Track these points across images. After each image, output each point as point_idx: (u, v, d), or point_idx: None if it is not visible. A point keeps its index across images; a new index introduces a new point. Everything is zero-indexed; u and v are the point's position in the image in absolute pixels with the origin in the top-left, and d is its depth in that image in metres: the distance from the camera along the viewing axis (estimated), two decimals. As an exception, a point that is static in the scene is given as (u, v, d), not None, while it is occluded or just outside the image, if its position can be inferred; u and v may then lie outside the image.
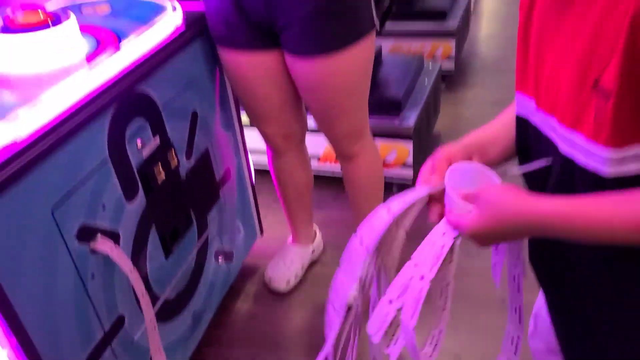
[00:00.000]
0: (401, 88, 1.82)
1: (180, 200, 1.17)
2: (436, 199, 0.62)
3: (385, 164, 1.79)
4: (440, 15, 2.34)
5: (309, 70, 1.14)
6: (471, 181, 0.59)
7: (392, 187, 1.84)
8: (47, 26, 0.89)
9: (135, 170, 1.00)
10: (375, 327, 0.57)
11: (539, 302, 0.79)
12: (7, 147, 0.76)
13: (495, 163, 0.63)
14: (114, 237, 0.96)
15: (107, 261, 0.94)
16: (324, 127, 1.30)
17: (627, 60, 0.43)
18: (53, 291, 0.84)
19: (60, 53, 0.92)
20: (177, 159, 1.13)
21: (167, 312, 1.17)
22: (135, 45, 1.01)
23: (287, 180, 1.48)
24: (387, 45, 2.36)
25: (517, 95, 0.61)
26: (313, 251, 1.62)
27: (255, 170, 1.63)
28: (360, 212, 1.39)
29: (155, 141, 1.05)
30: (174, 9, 1.16)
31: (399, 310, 0.57)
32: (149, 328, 1.00)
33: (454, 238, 0.57)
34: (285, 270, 1.55)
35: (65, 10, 0.96)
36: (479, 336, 1.35)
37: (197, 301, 1.29)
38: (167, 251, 1.14)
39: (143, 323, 1.04)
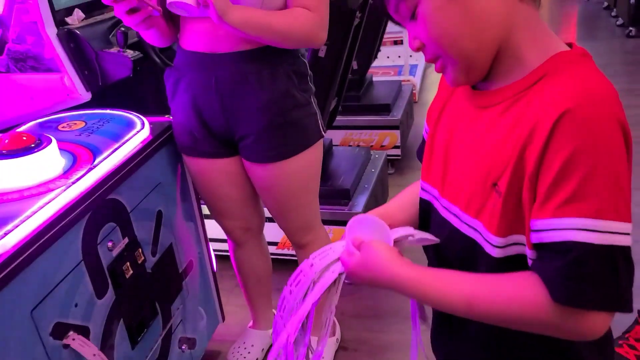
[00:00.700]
0: (350, 178, 2.01)
1: (147, 293, 1.29)
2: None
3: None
4: (385, 108, 2.61)
5: (265, 174, 1.32)
6: (372, 233, 0.72)
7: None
8: (32, 151, 1.04)
9: (105, 270, 1.12)
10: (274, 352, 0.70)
11: None
12: (-5, 258, 0.88)
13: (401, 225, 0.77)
14: (85, 331, 1.07)
15: (80, 355, 1.03)
16: (279, 221, 1.46)
17: (514, 174, 0.59)
18: (29, 386, 0.93)
19: (41, 171, 1.06)
20: (144, 256, 1.26)
21: (132, 401, 1.24)
22: (108, 159, 1.17)
23: (247, 269, 1.61)
24: (338, 138, 2.59)
25: (422, 184, 0.78)
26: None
27: (217, 256, 1.75)
28: None
29: (125, 241, 1.18)
30: (142, 124, 1.33)
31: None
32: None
33: (339, 273, 0.71)
34: (245, 354, 1.64)
35: (46, 137, 1.11)
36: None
37: (162, 389, 1.37)
38: (134, 342, 1.23)
39: (110, 412, 1.11)
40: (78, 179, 1.07)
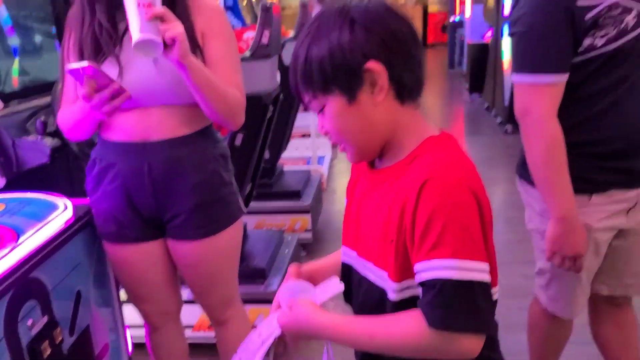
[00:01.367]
0: (265, 258, 2.12)
1: (62, 375, 1.27)
2: None
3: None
4: (295, 194, 2.79)
5: (192, 251, 1.39)
6: (299, 293, 0.86)
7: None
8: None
9: (24, 348, 1.12)
10: None
11: None
12: None
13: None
14: (-1, 414, 1.05)
15: None
16: (200, 298, 1.51)
17: (399, 231, 0.76)
18: None
19: (-36, 249, 1.08)
20: (62, 336, 1.26)
21: None
22: (31, 239, 1.21)
23: (163, 353, 1.62)
24: (252, 222, 2.71)
25: (342, 248, 0.92)
26: None
27: (134, 344, 1.74)
28: None
29: (44, 320, 1.20)
30: (65, 207, 1.38)
31: None
32: None
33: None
34: None
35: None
36: None
37: None
38: None
39: None
40: (1, 258, 1.10)
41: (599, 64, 1.19)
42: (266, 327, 0.86)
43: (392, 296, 0.79)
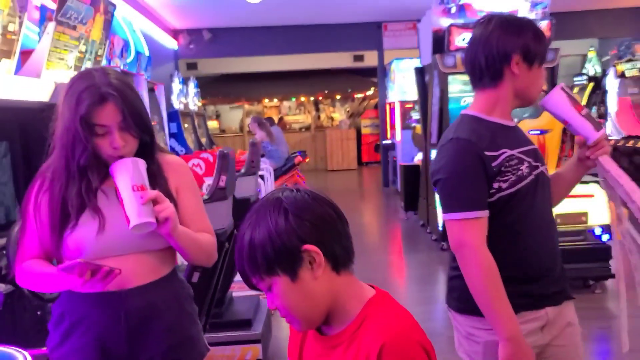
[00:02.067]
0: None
1: None
2: None
3: None
4: (246, 323, 2.80)
5: None
6: None
7: None
8: None
9: None
10: None
11: None
12: None
13: None
14: None
15: None
16: None
17: None
18: None
19: None
20: None
21: None
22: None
23: None
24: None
25: None
26: None
27: None
28: None
29: None
30: (25, 357, 1.37)
31: None
32: None
33: None
34: None
35: None
36: None
37: None
38: None
39: None
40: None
41: (505, 202, 1.40)
42: None
43: None
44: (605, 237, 3.81)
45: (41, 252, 1.38)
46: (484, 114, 1.42)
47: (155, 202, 1.27)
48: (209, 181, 2.05)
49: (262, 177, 4.82)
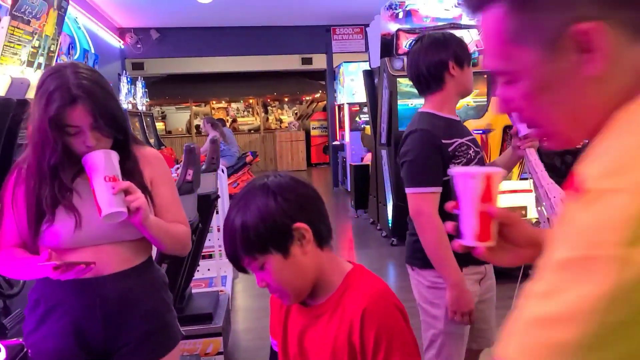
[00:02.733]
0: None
1: None
2: None
3: None
4: (207, 317, 2.83)
5: None
6: None
7: None
8: None
9: None
10: None
11: None
12: None
13: None
14: None
15: None
16: None
17: (350, 356, 0.97)
18: None
19: None
20: None
21: None
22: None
23: None
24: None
25: None
26: None
27: None
28: None
29: None
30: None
31: None
32: None
33: None
34: None
35: None
36: None
37: None
38: None
39: None
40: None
41: None
42: None
43: None
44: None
45: (19, 241, 1.39)
46: (436, 111, 1.75)
47: (127, 192, 1.30)
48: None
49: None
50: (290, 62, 10.22)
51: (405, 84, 5.07)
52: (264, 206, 0.97)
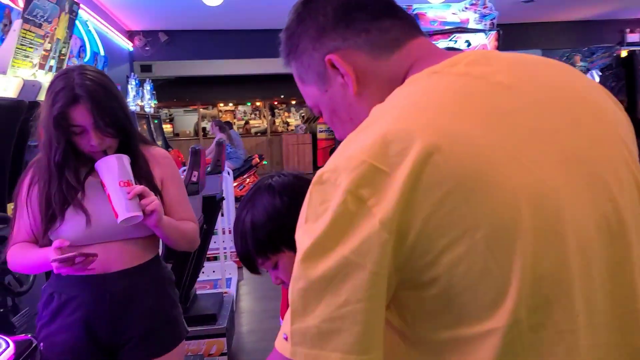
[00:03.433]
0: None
1: None
2: None
3: None
4: (211, 318, 2.87)
5: None
6: None
7: None
8: None
9: None
10: None
11: None
12: None
13: None
14: None
15: None
16: None
17: None
18: None
19: None
20: None
21: None
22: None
23: None
24: None
25: None
26: None
27: None
28: None
29: None
30: (7, 344, 1.42)
31: None
32: None
33: None
34: None
35: None
36: None
37: None
38: None
39: None
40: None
41: None
42: None
43: None
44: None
45: (32, 237, 1.44)
46: None
47: (141, 196, 1.35)
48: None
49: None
50: (297, 66, 10.23)
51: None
52: (270, 206, 0.99)
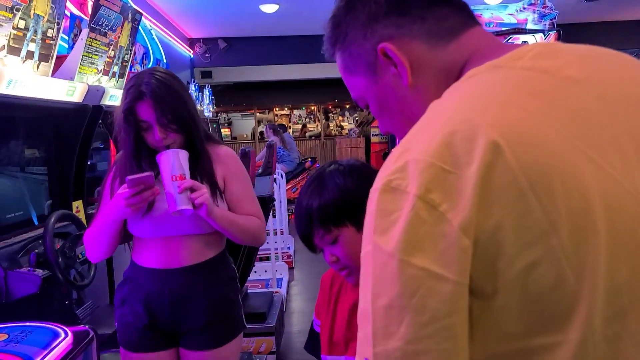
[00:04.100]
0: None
1: None
2: None
3: None
4: (261, 316, 2.93)
5: (199, 359, 1.57)
6: None
7: None
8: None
9: None
10: None
11: None
12: None
13: None
14: None
15: None
16: None
17: None
18: None
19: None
20: None
21: None
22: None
23: None
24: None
25: (325, 358, 1.11)
26: None
27: None
28: None
29: None
30: (66, 334, 1.51)
31: None
32: None
33: None
34: None
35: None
36: None
37: None
38: None
39: None
40: (19, 380, 1.22)
41: None
42: None
43: None
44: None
45: None
46: None
47: (192, 190, 1.42)
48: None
49: (274, 179, 4.98)
50: (352, 70, 10.25)
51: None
52: (341, 182, 1.03)
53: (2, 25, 1.87)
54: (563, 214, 0.51)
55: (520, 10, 4.82)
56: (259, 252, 4.07)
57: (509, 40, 4.64)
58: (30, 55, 2.10)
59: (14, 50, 1.99)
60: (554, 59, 0.61)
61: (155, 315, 1.56)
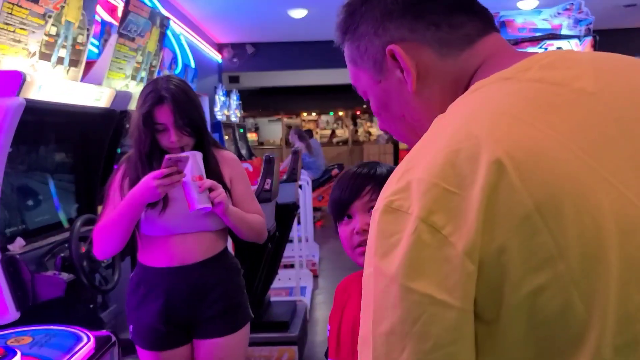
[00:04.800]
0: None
1: None
2: None
3: None
4: (283, 325, 2.90)
5: (215, 346, 1.65)
6: None
7: None
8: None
9: None
10: None
11: None
12: None
13: None
14: None
15: None
16: None
17: None
18: None
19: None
20: None
21: None
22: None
23: None
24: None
25: None
26: None
27: None
28: None
29: None
30: (88, 338, 1.51)
31: None
32: None
33: None
34: None
35: (11, 350, 1.28)
36: None
37: None
38: None
39: None
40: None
41: None
42: None
43: None
44: None
45: None
46: None
47: (210, 189, 1.54)
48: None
49: (300, 186, 4.95)
50: (380, 76, 10.19)
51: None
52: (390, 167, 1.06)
53: (34, 32, 1.90)
54: (572, 238, 0.48)
55: (555, 16, 4.69)
56: (282, 259, 4.06)
57: (543, 46, 4.52)
58: (60, 60, 2.13)
59: (45, 56, 2.01)
60: (566, 69, 0.58)
61: (173, 312, 1.62)
